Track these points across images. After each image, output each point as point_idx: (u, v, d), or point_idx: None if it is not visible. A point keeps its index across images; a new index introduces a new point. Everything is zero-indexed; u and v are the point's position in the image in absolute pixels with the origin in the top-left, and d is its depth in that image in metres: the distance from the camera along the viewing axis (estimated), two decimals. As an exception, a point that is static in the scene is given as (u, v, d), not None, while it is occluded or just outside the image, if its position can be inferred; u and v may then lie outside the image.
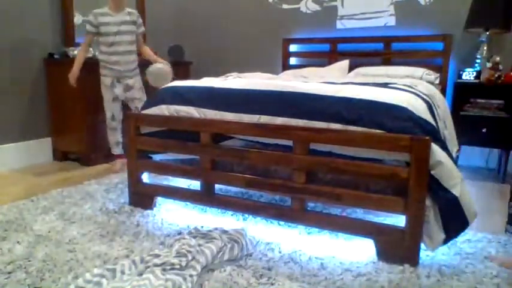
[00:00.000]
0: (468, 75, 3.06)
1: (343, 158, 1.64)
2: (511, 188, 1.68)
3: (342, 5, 3.69)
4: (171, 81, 2.89)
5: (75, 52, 3.10)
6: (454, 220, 1.52)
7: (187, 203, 2.20)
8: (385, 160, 1.61)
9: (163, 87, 2.19)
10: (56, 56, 3.18)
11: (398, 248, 1.58)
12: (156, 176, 2.51)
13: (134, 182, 2.17)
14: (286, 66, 3.94)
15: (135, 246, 1.72)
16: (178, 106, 2.03)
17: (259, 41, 4.16)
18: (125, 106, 3.02)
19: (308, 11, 3.87)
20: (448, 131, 2.34)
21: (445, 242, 1.55)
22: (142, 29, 2.95)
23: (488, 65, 3.01)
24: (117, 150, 3.02)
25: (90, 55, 3.17)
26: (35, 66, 3.16)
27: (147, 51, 3.04)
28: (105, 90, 2.90)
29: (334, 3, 3.73)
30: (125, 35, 2.81)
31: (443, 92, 3.20)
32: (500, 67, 2.99)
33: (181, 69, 4.19)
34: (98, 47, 2.87)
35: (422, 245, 1.57)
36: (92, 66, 3.06)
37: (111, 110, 2.91)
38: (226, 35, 4.34)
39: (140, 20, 2.91)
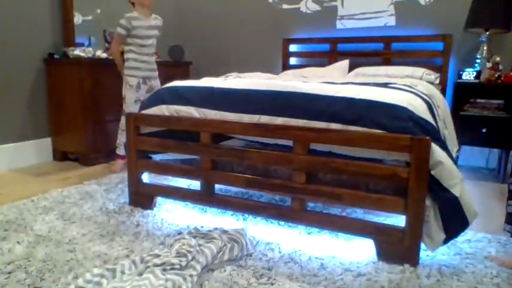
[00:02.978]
0: (468, 75, 3.07)
1: (343, 158, 1.65)
2: (508, 187, 1.68)
3: (342, 5, 3.69)
4: None
5: (75, 52, 3.10)
6: (454, 220, 1.52)
7: (187, 203, 2.20)
8: (385, 160, 1.61)
9: (163, 87, 2.19)
10: (56, 56, 3.18)
11: (398, 248, 1.58)
12: (156, 176, 2.51)
13: (134, 182, 2.17)
14: (286, 66, 3.94)
15: (135, 246, 1.72)
16: (178, 106, 2.03)
17: (259, 41, 4.16)
18: None
19: (308, 11, 3.87)
20: (448, 131, 2.34)
21: (445, 242, 1.55)
22: (160, 34, 3.06)
23: (488, 65, 3.01)
24: (122, 150, 3.01)
25: (90, 55, 3.17)
26: (35, 66, 3.16)
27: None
28: (129, 90, 2.90)
29: (334, 3, 3.73)
30: (151, 39, 2.94)
31: (443, 92, 3.20)
32: (500, 67, 2.99)
33: (181, 69, 4.19)
34: (128, 48, 2.89)
35: (422, 245, 1.57)
36: (92, 67, 3.07)
37: (131, 111, 2.89)
38: (226, 35, 4.34)
39: (162, 26, 3.04)
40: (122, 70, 2.93)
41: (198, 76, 4.25)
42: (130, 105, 2.91)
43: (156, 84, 3.06)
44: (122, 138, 2.99)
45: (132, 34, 2.84)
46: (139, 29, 2.84)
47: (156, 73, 3.07)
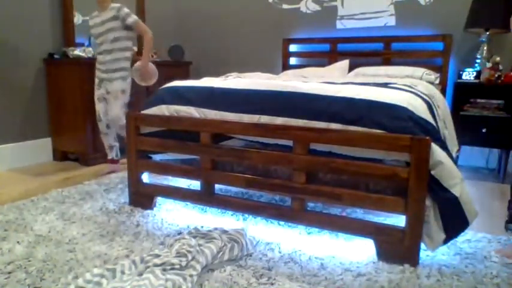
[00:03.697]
0: (468, 75, 3.06)
1: (343, 158, 1.65)
2: (511, 187, 1.68)
3: (342, 5, 3.69)
4: (153, 81, 2.86)
5: (75, 52, 3.11)
6: (454, 220, 1.52)
7: (187, 203, 2.20)
8: (385, 160, 1.61)
9: (163, 87, 2.19)
10: (56, 56, 3.18)
11: (398, 248, 1.58)
12: (156, 176, 2.51)
13: (134, 182, 2.17)
14: (286, 66, 3.94)
15: (135, 246, 1.72)
16: (178, 106, 2.03)
17: (259, 41, 4.16)
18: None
19: (308, 11, 3.87)
20: (448, 130, 2.34)
21: (445, 242, 1.55)
22: (130, 20, 2.62)
23: (488, 65, 3.01)
24: (110, 154, 2.90)
25: (90, 55, 3.17)
26: (35, 66, 3.16)
27: (144, 45, 2.74)
28: (95, 88, 2.83)
29: (334, 3, 3.73)
30: (107, 34, 2.65)
31: (443, 92, 3.20)
32: (500, 67, 2.99)
33: (181, 69, 4.19)
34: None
35: (422, 245, 1.57)
36: (92, 67, 3.06)
37: (97, 109, 2.81)
38: (226, 35, 4.34)
39: (123, 12, 2.61)
40: None
41: (198, 76, 4.25)
42: (96, 102, 2.81)
43: (111, 88, 2.72)
44: (103, 141, 2.88)
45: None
46: (92, 28, 2.70)
47: (112, 75, 2.71)
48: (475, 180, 2.88)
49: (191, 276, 1.41)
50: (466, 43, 3.28)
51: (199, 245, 1.58)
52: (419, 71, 3.02)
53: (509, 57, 3.14)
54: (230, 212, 2.11)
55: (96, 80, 2.82)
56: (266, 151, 1.78)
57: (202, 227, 1.88)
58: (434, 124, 1.62)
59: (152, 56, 3.63)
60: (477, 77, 3.03)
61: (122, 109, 2.74)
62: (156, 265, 1.45)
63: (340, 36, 3.71)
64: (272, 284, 1.43)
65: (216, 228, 1.76)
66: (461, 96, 3.01)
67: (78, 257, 1.60)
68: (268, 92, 1.85)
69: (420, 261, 1.58)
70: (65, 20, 3.31)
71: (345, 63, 3.53)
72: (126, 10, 2.64)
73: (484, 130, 2.92)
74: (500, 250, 1.67)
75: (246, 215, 2.08)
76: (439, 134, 1.58)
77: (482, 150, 3.26)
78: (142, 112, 2.14)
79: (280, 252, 1.67)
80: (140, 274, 1.42)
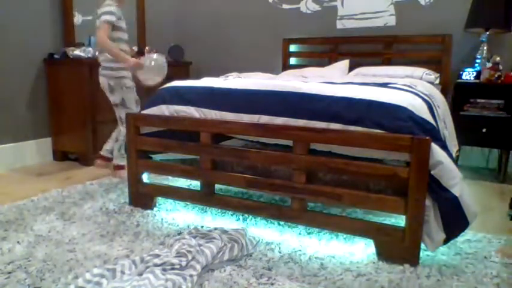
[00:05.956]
0: (468, 75, 3.06)
1: (343, 158, 1.65)
2: None
3: (342, 5, 3.69)
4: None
5: (75, 52, 3.10)
6: (454, 220, 1.52)
7: (187, 203, 2.20)
8: (385, 160, 1.61)
9: (163, 87, 2.19)
10: (56, 56, 3.18)
11: (398, 248, 1.58)
12: (156, 176, 2.51)
13: (134, 182, 2.17)
14: (286, 66, 3.94)
15: (135, 246, 1.72)
16: (178, 106, 2.03)
17: (259, 41, 4.16)
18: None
19: (308, 11, 3.87)
20: (448, 130, 2.34)
21: (445, 242, 1.55)
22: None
23: (488, 65, 3.01)
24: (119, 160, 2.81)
25: (90, 55, 3.17)
26: (35, 66, 3.16)
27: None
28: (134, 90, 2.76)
29: (334, 3, 3.73)
30: None
31: (443, 92, 3.20)
32: (500, 67, 2.98)
33: (181, 69, 4.19)
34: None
35: (422, 245, 1.57)
36: (92, 67, 3.06)
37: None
38: (226, 35, 4.34)
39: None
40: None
41: (198, 76, 4.24)
42: (135, 105, 2.74)
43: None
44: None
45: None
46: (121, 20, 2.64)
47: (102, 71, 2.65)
48: (475, 180, 2.88)
49: (191, 276, 1.41)
50: (466, 43, 3.27)
51: (199, 245, 1.58)
52: (419, 71, 3.01)
53: (509, 57, 3.14)
54: (230, 212, 2.11)
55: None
56: (266, 151, 1.78)
57: (202, 227, 1.88)
58: (434, 124, 1.62)
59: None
60: (477, 77, 3.02)
61: None
62: (156, 265, 1.45)
63: (340, 36, 3.70)
64: (272, 284, 1.43)
65: (216, 228, 1.76)
66: (461, 96, 3.01)
67: (78, 257, 1.60)
68: (268, 92, 1.85)
69: (420, 261, 1.58)
70: (65, 20, 3.31)
71: (345, 63, 3.52)
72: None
73: (484, 130, 2.92)
74: (501, 250, 1.67)
75: (246, 215, 2.08)
76: (439, 134, 1.59)
77: (482, 150, 3.26)
78: (142, 112, 2.14)
79: (280, 252, 1.67)
80: (140, 274, 1.42)
